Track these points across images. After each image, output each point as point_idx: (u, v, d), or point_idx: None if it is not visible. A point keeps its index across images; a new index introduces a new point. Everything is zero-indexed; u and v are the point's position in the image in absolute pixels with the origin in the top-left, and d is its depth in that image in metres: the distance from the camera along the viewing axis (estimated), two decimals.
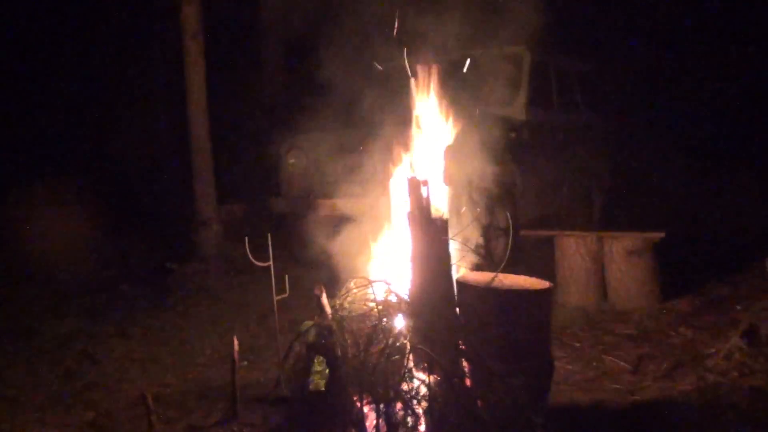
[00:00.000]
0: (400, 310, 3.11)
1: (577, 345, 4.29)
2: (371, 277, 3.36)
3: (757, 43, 9.48)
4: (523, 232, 5.72)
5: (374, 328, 3.03)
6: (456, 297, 3.21)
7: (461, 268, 3.46)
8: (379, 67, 4.83)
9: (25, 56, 9.04)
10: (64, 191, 8.06)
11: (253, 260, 3.55)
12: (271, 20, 10.16)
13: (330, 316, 3.20)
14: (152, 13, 9.20)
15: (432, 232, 3.17)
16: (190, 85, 7.08)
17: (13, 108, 8.78)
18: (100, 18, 9.50)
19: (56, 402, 3.77)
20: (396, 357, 2.93)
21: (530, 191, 6.32)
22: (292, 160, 6.49)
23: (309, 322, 3.30)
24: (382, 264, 3.58)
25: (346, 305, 3.28)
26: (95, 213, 7.66)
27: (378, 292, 3.26)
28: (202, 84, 7.09)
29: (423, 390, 2.85)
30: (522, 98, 6.45)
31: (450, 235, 3.25)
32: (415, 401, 2.81)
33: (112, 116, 9.41)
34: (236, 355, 3.28)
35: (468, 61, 4.99)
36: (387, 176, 3.77)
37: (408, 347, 2.97)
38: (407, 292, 3.19)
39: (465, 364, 3.01)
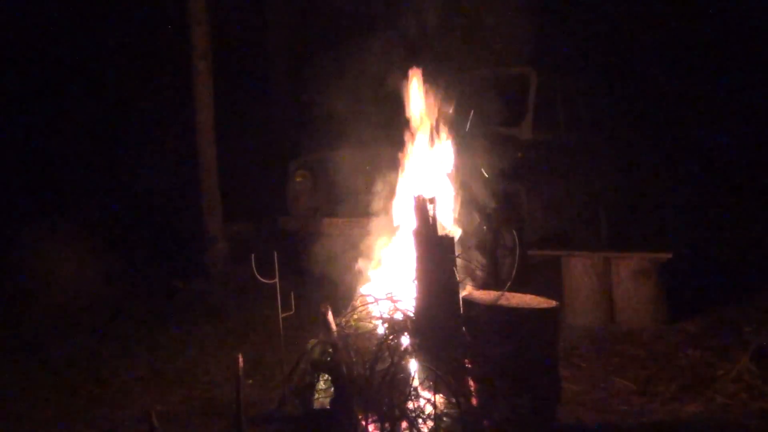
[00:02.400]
0: (406, 328, 3.10)
1: (584, 365, 4.26)
2: (377, 295, 3.36)
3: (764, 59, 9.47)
4: (529, 252, 5.71)
5: (380, 346, 3.02)
6: (462, 315, 3.20)
7: (467, 286, 3.45)
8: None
9: (32, 75, 9.12)
10: (70, 210, 8.10)
11: (259, 278, 3.55)
12: (279, 39, 10.26)
13: (336, 333, 3.19)
14: (161, 34, 9.29)
15: (439, 250, 3.17)
16: (198, 104, 7.14)
17: (18, 122, 8.84)
18: (109, 38, 9.60)
19: (60, 419, 3.75)
20: (401, 375, 2.92)
21: (537, 211, 6.31)
22: (299, 179, 6.51)
23: (314, 340, 3.29)
24: (388, 282, 3.57)
25: (352, 323, 3.28)
26: (101, 231, 7.69)
27: (384, 310, 3.25)
28: (210, 103, 7.15)
29: (429, 409, 2.84)
30: (529, 118, 6.47)
31: (456, 253, 3.24)
32: (420, 420, 2.80)
33: (119, 135, 9.48)
34: (241, 373, 3.27)
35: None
36: (393, 194, 3.78)
37: (414, 366, 2.96)
38: (413, 310, 3.18)
39: (471, 382, 2.99)
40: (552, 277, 5.40)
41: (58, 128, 9.14)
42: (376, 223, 4.54)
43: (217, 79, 7.26)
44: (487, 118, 5.75)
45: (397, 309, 3.21)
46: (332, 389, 3.06)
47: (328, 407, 3.06)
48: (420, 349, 2.98)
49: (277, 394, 3.68)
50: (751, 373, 3.76)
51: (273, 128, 10.05)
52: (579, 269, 5.19)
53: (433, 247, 3.17)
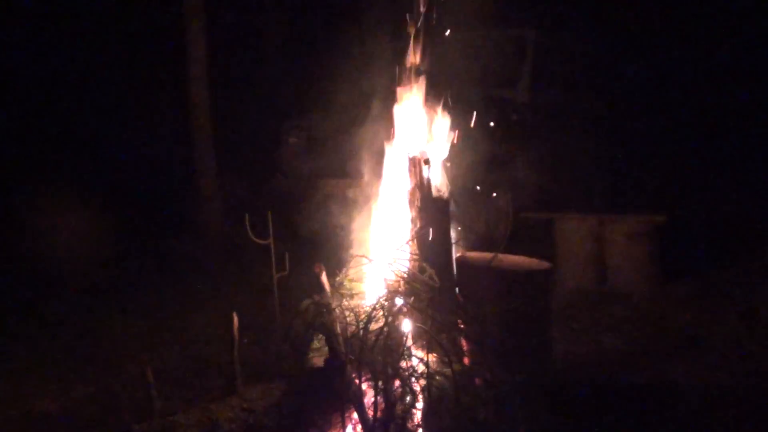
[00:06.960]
0: (399, 289, 3.12)
1: (576, 326, 4.30)
2: (371, 256, 3.36)
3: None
4: (523, 214, 5.70)
5: (374, 306, 3.03)
6: (456, 276, 3.21)
7: (461, 248, 3.46)
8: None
9: (25, 43, 8.99)
10: (64, 170, 8.04)
11: (253, 238, 3.54)
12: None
13: (330, 294, 3.21)
14: None
15: (433, 211, 3.17)
16: (190, 63, 7.05)
17: (12, 82, 8.74)
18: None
19: (57, 376, 3.78)
20: (395, 335, 2.94)
21: (531, 173, 6.30)
22: (292, 140, 6.48)
23: (309, 300, 3.30)
24: (382, 243, 3.57)
25: (346, 283, 3.29)
26: (95, 190, 7.65)
27: (378, 271, 3.26)
28: (203, 61, 7.06)
29: (421, 368, 2.86)
30: (525, 80, 6.43)
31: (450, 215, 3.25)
32: (413, 379, 2.82)
33: (113, 95, 9.37)
34: (236, 332, 3.29)
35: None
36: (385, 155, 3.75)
37: (407, 326, 2.97)
38: (407, 271, 3.19)
39: (464, 343, 3.01)
40: (545, 239, 5.41)
41: (52, 87, 9.04)
42: (370, 184, 4.53)
43: (211, 36, 7.16)
44: (483, 79, 5.70)
45: (391, 270, 3.21)
46: (326, 348, 3.08)
47: (322, 366, 3.08)
48: (413, 309, 2.99)
49: (271, 354, 3.71)
50: (740, 334, 3.80)
51: (268, 86, 9.95)
52: (572, 231, 5.20)
53: (428, 208, 3.17)
